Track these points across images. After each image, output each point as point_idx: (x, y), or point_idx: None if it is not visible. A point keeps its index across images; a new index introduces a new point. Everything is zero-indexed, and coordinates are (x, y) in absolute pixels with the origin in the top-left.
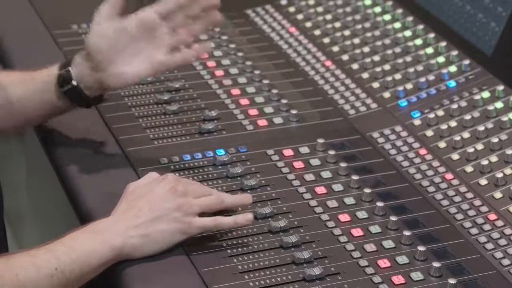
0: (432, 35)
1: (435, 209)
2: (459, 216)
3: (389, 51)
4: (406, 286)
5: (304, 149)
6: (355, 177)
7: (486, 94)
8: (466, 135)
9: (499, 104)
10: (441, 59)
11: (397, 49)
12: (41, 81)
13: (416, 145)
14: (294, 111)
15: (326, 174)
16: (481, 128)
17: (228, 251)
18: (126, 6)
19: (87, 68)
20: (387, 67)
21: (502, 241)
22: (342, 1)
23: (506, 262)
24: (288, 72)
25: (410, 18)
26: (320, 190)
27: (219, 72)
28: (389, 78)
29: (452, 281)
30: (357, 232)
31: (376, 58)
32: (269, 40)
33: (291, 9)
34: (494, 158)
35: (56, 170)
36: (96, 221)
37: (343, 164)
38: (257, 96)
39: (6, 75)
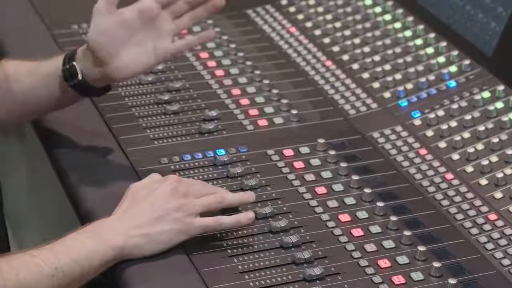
0: (432, 35)
1: (436, 209)
2: (460, 216)
3: (390, 51)
4: (407, 286)
5: (305, 149)
6: (355, 177)
7: (486, 94)
8: (466, 135)
9: (499, 104)
10: (441, 59)
11: (398, 49)
12: (46, 74)
13: (416, 145)
14: (294, 111)
15: (326, 174)
16: (481, 128)
17: (229, 251)
18: None
19: (91, 63)
20: (387, 67)
21: (503, 241)
22: (343, 1)
23: (506, 262)
24: (288, 72)
25: (410, 18)
26: (321, 190)
27: (219, 72)
28: (389, 78)
29: (452, 281)
30: (357, 232)
31: (377, 58)
32: (270, 40)
33: (292, 9)
34: (494, 158)
35: (56, 170)
36: (96, 221)
37: (343, 164)
38: (257, 96)
39: (13, 66)
